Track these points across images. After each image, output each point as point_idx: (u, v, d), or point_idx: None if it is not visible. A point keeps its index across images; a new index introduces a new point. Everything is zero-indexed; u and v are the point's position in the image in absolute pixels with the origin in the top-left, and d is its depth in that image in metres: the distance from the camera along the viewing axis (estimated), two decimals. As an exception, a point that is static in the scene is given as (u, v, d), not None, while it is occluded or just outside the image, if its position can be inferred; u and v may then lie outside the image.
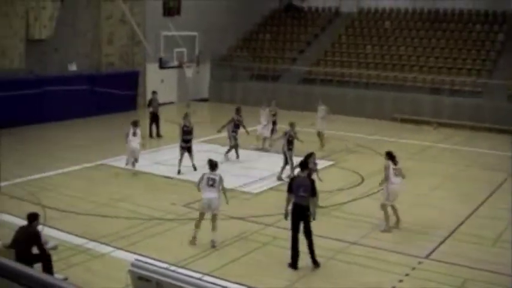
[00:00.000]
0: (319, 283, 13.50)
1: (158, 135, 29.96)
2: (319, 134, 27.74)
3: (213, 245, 15.41)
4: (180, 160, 22.71)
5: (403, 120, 35.65)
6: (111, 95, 35.90)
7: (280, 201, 18.97)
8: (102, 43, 37.07)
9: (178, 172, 22.47)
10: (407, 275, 13.94)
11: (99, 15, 36.72)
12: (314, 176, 17.50)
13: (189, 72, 36.33)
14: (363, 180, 22.38)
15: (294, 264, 14.26)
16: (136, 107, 38.31)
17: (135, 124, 22.82)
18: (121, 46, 37.94)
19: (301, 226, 14.26)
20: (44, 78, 33.20)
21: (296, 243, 14.26)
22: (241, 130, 25.60)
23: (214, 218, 15.47)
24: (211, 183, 15.49)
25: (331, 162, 24.81)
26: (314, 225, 16.02)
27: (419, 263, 14.67)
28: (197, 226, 15.63)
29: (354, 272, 14.08)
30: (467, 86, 35.65)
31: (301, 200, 14.20)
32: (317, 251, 14.95)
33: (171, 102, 41.23)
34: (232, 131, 25.27)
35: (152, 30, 36.32)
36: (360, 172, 23.26)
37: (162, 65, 32.85)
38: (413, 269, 14.30)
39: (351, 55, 41.62)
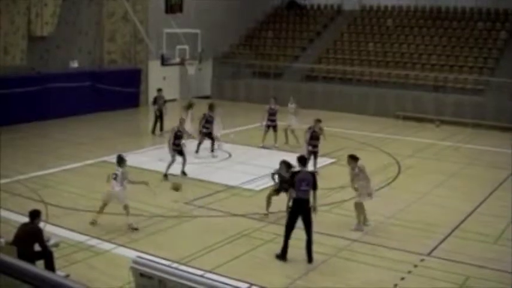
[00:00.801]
0: (321, 281, 13.49)
1: (161, 129, 29.79)
2: (287, 130, 27.61)
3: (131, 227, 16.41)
4: (170, 164, 21.75)
5: (406, 118, 35.63)
6: (113, 92, 35.90)
7: (283, 199, 19.04)
8: (104, 40, 37.05)
9: (165, 176, 21.53)
10: (409, 272, 13.93)
11: (101, 12, 36.72)
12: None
13: (191, 69, 36.25)
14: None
15: (283, 256, 14.52)
16: (138, 104, 38.34)
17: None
18: (123, 43, 37.95)
19: (301, 220, 14.37)
20: (46, 75, 33.21)
21: (289, 237, 14.43)
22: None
23: (124, 207, 16.47)
24: (114, 177, 16.48)
25: (333, 160, 24.79)
26: (317, 223, 16.05)
27: (422, 260, 14.66)
28: (99, 212, 16.73)
29: (356, 270, 14.07)
30: (469, 84, 35.62)
31: (304, 194, 14.37)
32: (319, 249, 14.98)
33: (174, 100, 41.21)
34: (203, 127, 25.38)
35: (154, 28, 36.29)
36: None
37: (164, 62, 32.77)
38: (416, 266, 14.29)
39: (353, 53, 41.61)
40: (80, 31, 35.60)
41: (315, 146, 22.53)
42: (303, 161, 15.17)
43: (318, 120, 22.91)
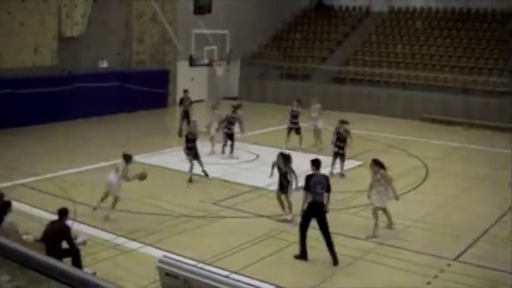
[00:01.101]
0: (347, 283, 13.47)
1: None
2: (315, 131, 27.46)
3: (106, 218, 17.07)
4: (191, 167, 21.72)
5: (434, 121, 35.39)
6: (142, 92, 36.09)
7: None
8: (133, 41, 37.26)
9: (190, 180, 21.55)
10: (435, 277, 13.85)
11: (130, 13, 36.92)
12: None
13: (219, 70, 36.32)
14: (391, 181, 22.20)
15: (304, 256, 14.72)
16: (166, 105, 38.50)
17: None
18: (152, 44, 38.13)
19: (317, 223, 14.51)
20: (76, 75, 33.47)
21: (305, 237, 14.65)
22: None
23: (115, 198, 17.22)
24: (116, 169, 17.42)
25: (360, 162, 24.69)
26: (342, 225, 16.07)
27: (448, 265, 14.57)
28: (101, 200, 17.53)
29: (382, 273, 14.03)
30: (498, 87, 35.32)
31: (320, 197, 14.52)
32: (345, 251, 14.98)
33: (201, 100, 41.34)
34: (226, 127, 25.36)
35: (183, 29, 36.40)
36: (389, 172, 23.08)
37: (193, 63, 32.85)
38: (442, 271, 14.21)
39: (381, 54, 41.44)
40: (109, 32, 35.83)
41: (340, 148, 22.46)
42: (316, 163, 15.16)
43: (343, 122, 22.81)
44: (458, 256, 15.12)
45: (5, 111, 29.38)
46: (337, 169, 22.48)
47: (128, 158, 17.53)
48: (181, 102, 30.33)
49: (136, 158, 23.97)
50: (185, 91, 30.42)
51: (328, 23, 46.80)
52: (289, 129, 26.91)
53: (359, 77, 40.04)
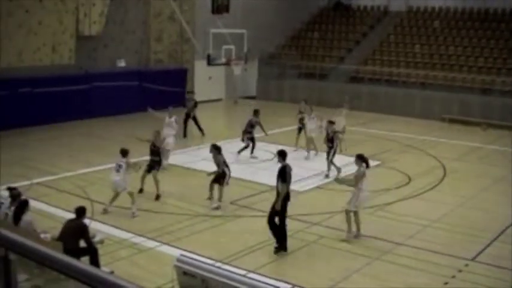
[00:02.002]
0: (364, 283, 13.43)
1: (201, 132, 29.69)
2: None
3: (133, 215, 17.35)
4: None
5: (452, 121, 35.24)
6: (160, 91, 36.16)
7: (327, 200, 19.01)
8: (151, 40, 37.36)
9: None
10: (453, 277, 13.78)
11: (148, 12, 37.03)
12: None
13: (237, 69, 36.40)
14: (410, 180, 22.18)
15: (284, 247, 15.01)
16: (184, 104, 38.51)
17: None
18: (170, 43, 38.22)
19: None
20: (93, 74, 33.62)
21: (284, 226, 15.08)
22: None
23: (129, 194, 17.57)
24: (117, 168, 17.49)
25: (378, 162, 24.62)
26: (362, 225, 16.03)
27: (466, 265, 14.50)
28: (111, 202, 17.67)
29: (400, 273, 13.97)
30: (518, 87, 35.14)
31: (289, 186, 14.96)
32: (363, 251, 14.98)
33: (219, 99, 41.39)
34: (247, 132, 25.11)
35: (201, 28, 36.47)
36: (407, 172, 23.07)
37: (210, 62, 32.92)
38: (460, 271, 14.14)
39: (399, 54, 41.32)
40: (127, 31, 35.95)
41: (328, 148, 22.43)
42: (283, 154, 15.40)
43: (331, 122, 22.73)
44: (476, 256, 15.04)
45: (22, 110, 29.52)
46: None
47: (124, 153, 17.76)
48: (185, 104, 30.13)
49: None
50: (188, 92, 30.09)
51: (346, 23, 46.74)
52: (299, 129, 26.88)
53: (377, 77, 39.94)
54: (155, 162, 19.80)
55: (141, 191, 19.74)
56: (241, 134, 25.18)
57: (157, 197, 19.29)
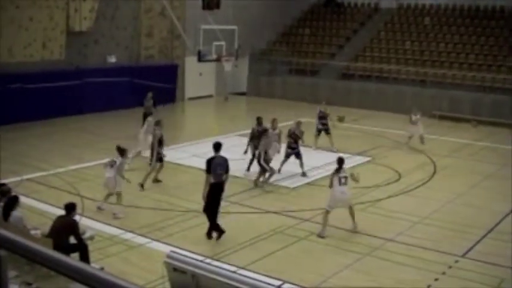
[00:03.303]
0: (355, 279, 13.45)
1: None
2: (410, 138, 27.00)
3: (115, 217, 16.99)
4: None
5: (442, 118, 35.31)
6: (150, 87, 36.07)
7: (318, 196, 19.03)
8: (141, 36, 37.29)
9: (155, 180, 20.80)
10: (443, 273, 13.83)
11: (139, 8, 36.95)
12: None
13: (227, 66, 36.42)
14: (400, 177, 22.23)
15: (209, 235, 15.55)
16: (175, 100, 38.51)
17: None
18: (160, 39, 38.17)
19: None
20: (84, 69, 33.54)
21: (216, 217, 15.52)
22: None
23: (117, 194, 17.29)
24: (111, 164, 17.37)
25: (368, 159, 24.68)
26: (350, 221, 16.06)
27: (456, 261, 14.54)
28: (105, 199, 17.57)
29: (390, 269, 14.00)
30: (507, 84, 35.20)
31: (220, 177, 15.36)
32: (354, 247, 14.99)
33: (210, 96, 41.38)
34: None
35: (192, 24, 36.44)
36: (397, 169, 23.12)
37: (201, 58, 32.92)
38: (450, 267, 14.18)
39: (390, 51, 41.40)
40: (117, 26, 35.88)
41: (293, 148, 22.25)
42: (216, 146, 15.80)
43: (299, 122, 22.61)
44: (466, 252, 15.09)
45: (13, 105, 29.42)
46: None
47: (122, 152, 17.57)
48: (143, 103, 28.00)
49: (146, 153, 24.05)
50: (148, 92, 28.18)
51: (337, 19, 46.80)
52: (319, 131, 26.25)
53: (367, 73, 39.99)
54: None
55: (157, 180, 20.65)
56: (232, 130, 25.17)
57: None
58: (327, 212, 16.13)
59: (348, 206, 16.36)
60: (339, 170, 16.17)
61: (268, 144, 20.61)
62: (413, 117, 26.90)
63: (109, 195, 17.50)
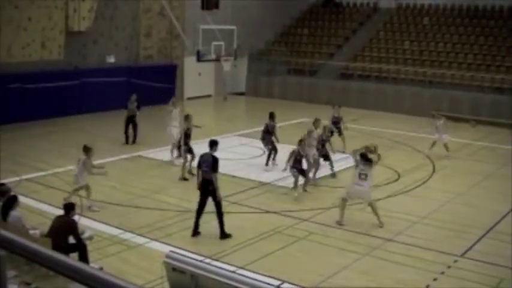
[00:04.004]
0: (353, 279, 13.44)
1: (134, 141, 26.68)
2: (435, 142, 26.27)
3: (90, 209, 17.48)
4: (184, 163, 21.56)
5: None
6: (149, 87, 36.09)
7: (317, 196, 19.04)
8: (140, 36, 37.29)
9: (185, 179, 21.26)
10: (442, 273, 13.83)
11: (138, 8, 36.95)
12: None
13: (226, 65, 36.39)
14: (399, 176, 22.23)
15: (194, 232, 15.76)
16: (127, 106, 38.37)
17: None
18: (159, 39, 38.17)
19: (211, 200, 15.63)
20: (83, 69, 33.53)
21: (199, 215, 15.74)
22: None
23: (85, 189, 17.72)
24: (78, 162, 17.91)
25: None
26: (352, 222, 16.08)
27: (455, 261, 14.54)
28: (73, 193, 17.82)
29: (389, 269, 14.00)
30: (506, 84, 35.22)
31: (206, 174, 15.55)
32: (353, 247, 14.99)
33: (209, 96, 41.36)
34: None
35: (191, 24, 36.42)
36: (397, 169, 23.12)
37: (200, 58, 32.89)
38: (449, 267, 14.18)
39: (389, 51, 41.40)
40: (116, 26, 35.87)
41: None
42: (211, 144, 16.17)
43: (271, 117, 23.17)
44: (465, 252, 15.09)
45: (12, 105, 29.42)
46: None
47: (87, 150, 17.93)
48: (127, 105, 27.16)
49: (144, 153, 24.10)
50: (133, 93, 27.49)
51: (336, 19, 46.80)
52: (332, 133, 25.43)
53: (366, 73, 40.01)
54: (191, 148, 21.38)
55: (185, 179, 21.07)
56: (231, 130, 25.15)
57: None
58: (344, 200, 16.81)
59: (367, 202, 16.89)
60: (361, 162, 16.78)
61: (311, 146, 20.84)
62: (438, 123, 26.17)
63: (77, 189, 17.80)
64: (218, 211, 15.56)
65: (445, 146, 25.82)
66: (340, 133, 26.03)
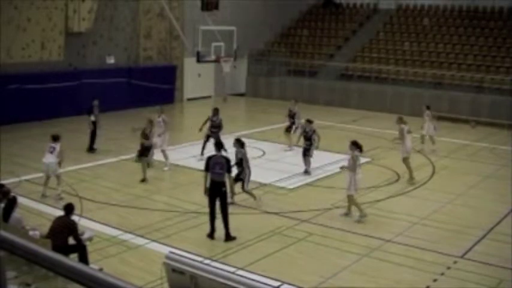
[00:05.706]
0: (353, 280, 13.45)
1: (91, 148, 25.44)
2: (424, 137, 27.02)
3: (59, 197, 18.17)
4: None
5: (441, 118, 35.22)
6: (149, 88, 36.10)
7: (316, 197, 19.05)
8: (140, 37, 37.30)
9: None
10: (442, 274, 13.83)
11: (137, 9, 36.96)
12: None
13: (226, 66, 36.34)
14: (399, 177, 22.23)
15: (211, 235, 15.65)
16: (173, 101, 38.49)
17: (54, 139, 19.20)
18: (159, 40, 38.17)
19: (218, 202, 15.54)
20: (82, 70, 33.53)
21: (213, 217, 15.60)
22: None
23: (56, 177, 18.57)
24: (51, 151, 18.49)
25: (367, 159, 24.66)
26: (349, 222, 16.07)
27: (455, 262, 14.55)
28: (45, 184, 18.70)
29: (389, 270, 14.01)
30: (506, 85, 35.22)
31: (218, 176, 15.49)
32: (352, 248, 15.00)
33: (208, 97, 41.35)
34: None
35: (190, 25, 36.41)
36: (397, 169, 23.11)
37: (200, 59, 32.86)
38: (449, 268, 14.18)
39: (388, 52, 41.40)
40: (116, 27, 35.89)
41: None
42: (218, 146, 16.46)
43: (309, 121, 23.10)
44: (465, 253, 15.10)
45: (11, 106, 29.41)
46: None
47: (56, 138, 18.78)
48: (91, 111, 25.73)
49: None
50: (94, 99, 26.01)
51: (336, 20, 46.81)
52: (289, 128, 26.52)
53: (366, 74, 40.00)
54: (145, 149, 21.03)
55: (143, 180, 20.75)
56: (231, 131, 25.18)
57: (143, 180, 20.66)
58: (354, 196, 17.37)
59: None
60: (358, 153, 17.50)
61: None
62: (424, 115, 27.08)
63: (48, 178, 18.51)
64: (225, 213, 15.55)
65: (431, 139, 26.39)
66: (290, 128, 26.39)
